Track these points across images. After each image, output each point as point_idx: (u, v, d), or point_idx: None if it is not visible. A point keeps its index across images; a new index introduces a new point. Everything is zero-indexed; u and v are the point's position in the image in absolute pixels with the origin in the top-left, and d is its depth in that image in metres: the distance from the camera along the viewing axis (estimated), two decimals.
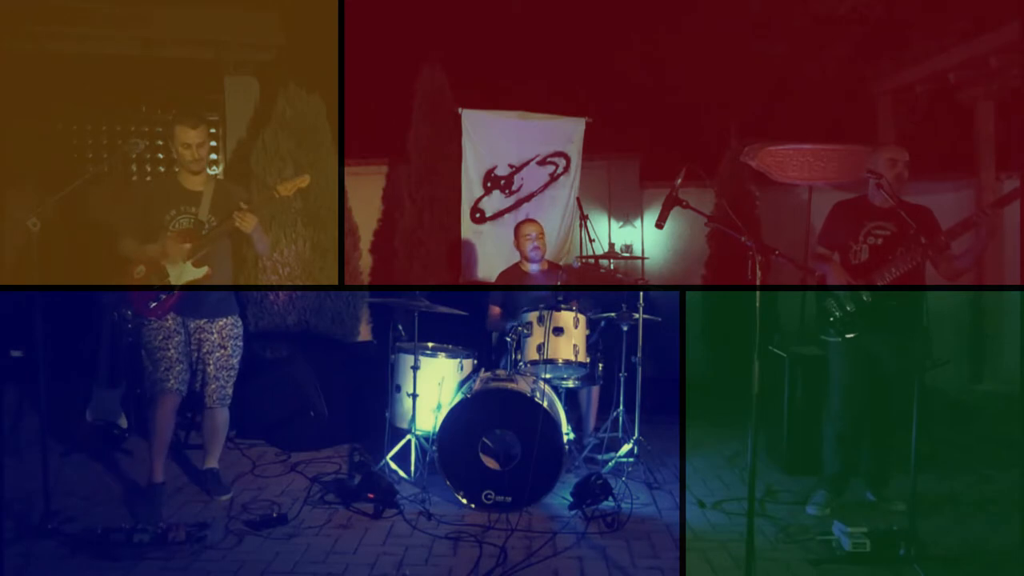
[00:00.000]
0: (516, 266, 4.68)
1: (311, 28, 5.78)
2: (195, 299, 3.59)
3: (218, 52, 6.16)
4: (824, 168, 5.69)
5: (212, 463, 3.86)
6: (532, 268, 4.59)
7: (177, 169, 3.66)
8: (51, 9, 5.68)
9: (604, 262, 5.87)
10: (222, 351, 3.67)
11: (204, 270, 3.59)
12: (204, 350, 3.64)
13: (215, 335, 3.65)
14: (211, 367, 3.65)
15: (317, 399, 4.72)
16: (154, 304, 3.52)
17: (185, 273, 3.55)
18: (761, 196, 6.37)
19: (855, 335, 3.58)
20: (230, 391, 3.76)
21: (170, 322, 3.58)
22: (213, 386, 3.68)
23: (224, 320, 3.68)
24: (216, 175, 4.25)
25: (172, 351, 3.57)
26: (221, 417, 3.79)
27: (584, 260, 5.95)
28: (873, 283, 3.49)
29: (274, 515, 3.50)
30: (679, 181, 3.06)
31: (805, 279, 4.30)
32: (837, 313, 3.58)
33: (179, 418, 4.49)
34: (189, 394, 3.74)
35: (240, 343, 3.77)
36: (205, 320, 3.63)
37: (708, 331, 6.34)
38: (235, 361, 3.75)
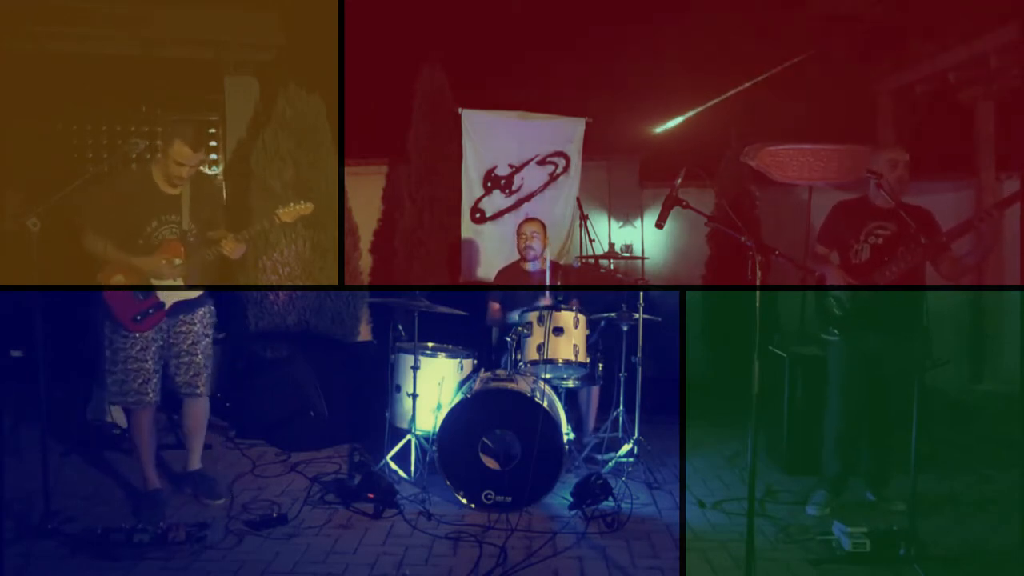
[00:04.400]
0: (516, 264, 4.68)
1: (311, 28, 5.77)
2: (178, 303, 3.55)
3: (218, 52, 6.15)
4: (824, 168, 5.69)
5: (197, 462, 3.78)
6: (531, 267, 4.59)
7: (150, 162, 3.54)
8: (51, 9, 5.68)
9: (604, 262, 5.87)
10: (206, 339, 3.64)
11: (198, 294, 3.57)
12: (190, 341, 3.58)
13: (197, 325, 3.60)
14: (199, 356, 3.60)
15: (317, 399, 4.72)
16: (140, 318, 3.42)
17: (177, 291, 3.51)
18: (761, 196, 6.37)
19: (855, 334, 3.58)
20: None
21: (150, 332, 3.48)
22: (204, 375, 3.63)
23: (202, 310, 3.64)
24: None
25: (149, 362, 3.48)
26: (206, 406, 3.74)
27: (584, 260, 5.95)
28: (874, 282, 3.49)
29: (274, 515, 3.50)
30: (679, 181, 3.06)
31: (805, 279, 4.30)
32: (837, 312, 3.58)
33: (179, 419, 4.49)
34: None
35: (214, 331, 3.74)
36: (186, 314, 3.58)
37: (708, 331, 6.34)
38: (211, 348, 3.71)
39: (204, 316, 3.65)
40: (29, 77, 5.67)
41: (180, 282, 3.53)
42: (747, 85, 7.05)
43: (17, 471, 3.69)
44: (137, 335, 3.45)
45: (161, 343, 3.53)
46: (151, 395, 3.51)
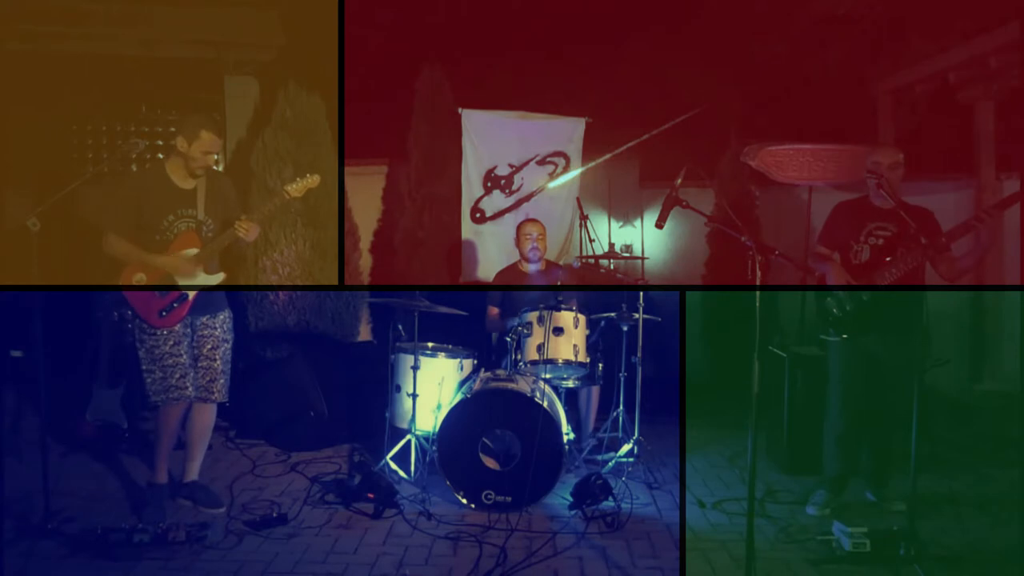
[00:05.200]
0: (514, 266, 4.68)
1: (311, 28, 5.78)
2: (202, 297, 3.57)
3: (218, 52, 6.16)
4: (824, 168, 5.69)
5: (196, 473, 3.75)
6: (531, 268, 4.59)
7: (164, 159, 3.55)
8: (51, 9, 5.68)
9: (604, 262, 5.87)
10: (226, 345, 3.66)
11: (220, 276, 3.58)
12: (210, 346, 3.60)
13: (218, 330, 3.62)
14: (218, 362, 3.62)
15: (317, 399, 4.72)
16: (165, 314, 3.45)
17: (199, 280, 3.52)
18: (761, 196, 6.37)
19: (855, 334, 3.58)
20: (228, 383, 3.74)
21: (178, 326, 3.51)
22: (221, 381, 3.64)
23: (223, 314, 3.66)
24: None
25: (184, 356, 3.51)
26: (214, 414, 3.74)
27: (584, 260, 5.95)
28: (874, 283, 3.49)
29: (274, 515, 3.51)
30: (679, 181, 3.07)
31: (805, 279, 4.30)
32: (836, 312, 3.58)
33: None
34: None
35: (233, 335, 3.75)
36: (208, 316, 3.59)
37: (708, 331, 6.33)
38: (231, 355, 3.72)
39: (224, 321, 3.66)
40: (29, 77, 5.67)
41: (201, 273, 3.53)
42: (747, 85, 7.07)
43: (17, 471, 3.70)
44: (166, 331, 3.47)
45: (190, 339, 3.55)
46: (190, 388, 3.54)
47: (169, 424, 3.58)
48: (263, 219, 3.70)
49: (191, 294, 3.51)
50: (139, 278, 3.47)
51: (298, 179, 3.61)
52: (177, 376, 3.50)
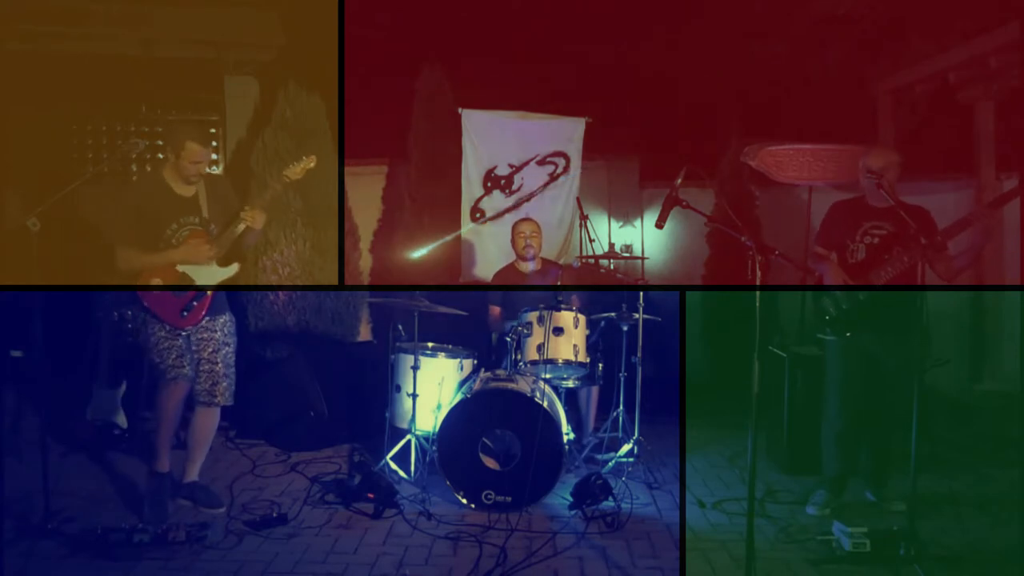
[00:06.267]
0: (511, 265, 4.69)
1: (311, 28, 5.78)
2: (216, 298, 3.59)
3: (218, 52, 6.15)
4: (824, 168, 5.69)
5: (196, 474, 3.75)
6: (528, 267, 4.59)
7: (162, 164, 3.59)
8: (51, 9, 5.67)
9: (604, 262, 5.87)
10: (227, 348, 3.65)
11: (235, 267, 3.60)
12: (210, 349, 3.59)
13: (218, 333, 3.62)
14: (219, 365, 3.61)
15: (317, 399, 4.72)
16: (187, 313, 3.48)
17: (215, 274, 3.54)
18: (761, 196, 6.37)
19: (852, 334, 3.58)
20: (233, 386, 3.74)
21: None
22: (223, 384, 3.64)
23: (223, 317, 3.66)
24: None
25: (181, 340, 3.52)
26: (216, 418, 3.74)
27: (584, 260, 5.95)
28: (870, 282, 3.49)
29: (274, 515, 3.51)
30: (679, 181, 3.07)
31: (805, 279, 4.30)
32: (832, 312, 3.59)
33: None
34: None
35: (235, 339, 3.75)
36: (208, 319, 3.59)
37: (708, 331, 6.33)
38: (233, 358, 3.72)
39: (225, 324, 3.66)
40: (29, 77, 5.67)
41: (217, 267, 3.56)
42: (747, 85, 7.07)
43: (17, 471, 3.69)
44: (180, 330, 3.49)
45: (187, 334, 3.56)
46: (187, 368, 3.54)
47: (168, 408, 3.55)
48: (266, 206, 3.70)
49: (209, 292, 3.53)
50: (156, 283, 3.49)
51: (294, 163, 3.63)
52: (173, 356, 3.50)
